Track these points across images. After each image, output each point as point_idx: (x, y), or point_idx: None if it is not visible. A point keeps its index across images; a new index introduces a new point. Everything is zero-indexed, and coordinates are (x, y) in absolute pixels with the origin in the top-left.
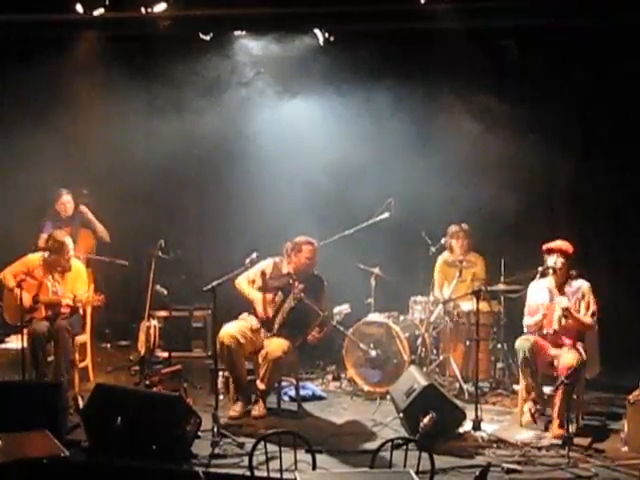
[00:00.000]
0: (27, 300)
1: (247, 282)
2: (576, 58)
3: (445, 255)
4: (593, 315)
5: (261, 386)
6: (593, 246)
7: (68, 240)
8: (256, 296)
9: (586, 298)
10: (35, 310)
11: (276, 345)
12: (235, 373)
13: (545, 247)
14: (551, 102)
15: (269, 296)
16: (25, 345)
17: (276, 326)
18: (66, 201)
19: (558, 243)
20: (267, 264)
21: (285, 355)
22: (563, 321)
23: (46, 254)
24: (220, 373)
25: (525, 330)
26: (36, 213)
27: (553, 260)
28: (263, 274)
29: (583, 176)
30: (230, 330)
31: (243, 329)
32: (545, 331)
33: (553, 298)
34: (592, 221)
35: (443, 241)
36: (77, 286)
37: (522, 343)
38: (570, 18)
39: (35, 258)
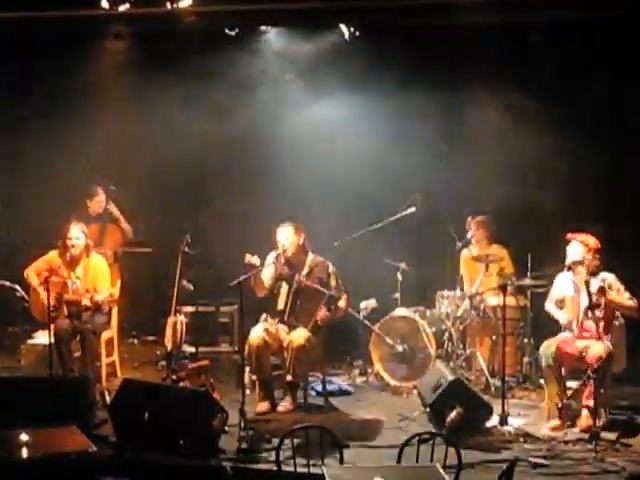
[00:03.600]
0: (51, 298)
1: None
2: (606, 52)
3: (470, 249)
4: (631, 298)
5: (288, 377)
6: (621, 241)
7: (74, 229)
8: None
9: (615, 286)
10: (58, 308)
11: (298, 334)
12: (261, 374)
13: (568, 236)
14: (581, 98)
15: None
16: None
17: (286, 315)
18: (102, 200)
19: (581, 234)
20: (271, 258)
21: (308, 343)
22: (589, 313)
23: (58, 251)
24: (247, 368)
25: (546, 307)
26: (66, 209)
27: (574, 250)
28: (272, 268)
29: (613, 172)
30: (258, 332)
31: (267, 327)
32: (573, 329)
33: (578, 291)
34: (621, 218)
35: (469, 235)
36: (99, 283)
37: (545, 349)
38: (601, 11)
39: (56, 255)
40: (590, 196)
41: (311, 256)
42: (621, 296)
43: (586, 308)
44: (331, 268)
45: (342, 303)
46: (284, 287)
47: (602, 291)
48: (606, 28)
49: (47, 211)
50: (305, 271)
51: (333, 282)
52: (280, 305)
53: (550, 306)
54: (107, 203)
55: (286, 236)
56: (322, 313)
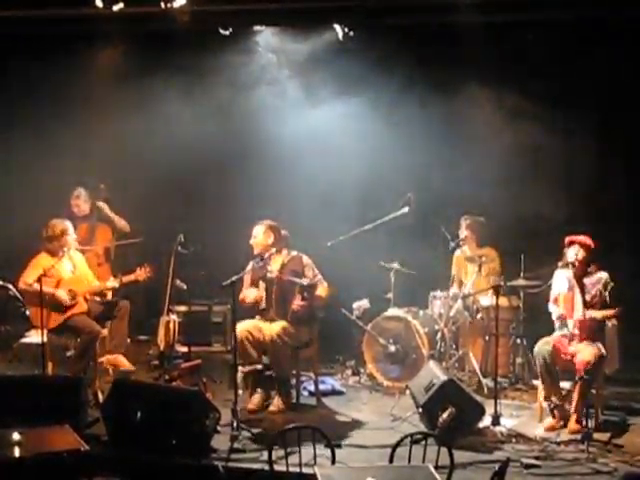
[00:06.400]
0: (64, 295)
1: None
2: (599, 52)
3: (463, 249)
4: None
5: (272, 373)
6: (613, 243)
7: (68, 224)
8: (248, 292)
9: (608, 287)
10: (74, 305)
11: (273, 326)
12: (247, 365)
13: (568, 239)
14: (571, 98)
15: (256, 290)
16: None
17: (271, 312)
18: (83, 200)
19: (581, 236)
20: (248, 268)
21: (283, 332)
22: (587, 314)
23: (47, 252)
24: (239, 368)
25: (549, 309)
26: (54, 211)
27: (574, 252)
28: (250, 275)
29: (604, 174)
30: (243, 325)
31: (256, 322)
32: (567, 329)
33: (572, 288)
34: (612, 219)
35: (462, 235)
36: (89, 276)
37: (541, 348)
38: (595, 10)
39: (46, 256)
40: (583, 196)
41: (284, 253)
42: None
43: (583, 310)
44: (305, 260)
45: (321, 292)
46: (262, 285)
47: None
48: (604, 28)
49: (34, 211)
50: (277, 267)
51: (309, 272)
52: (262, 304)
53: (549, 305)
54: (94, 202)
55: (255, 234)
56: (297, 302)
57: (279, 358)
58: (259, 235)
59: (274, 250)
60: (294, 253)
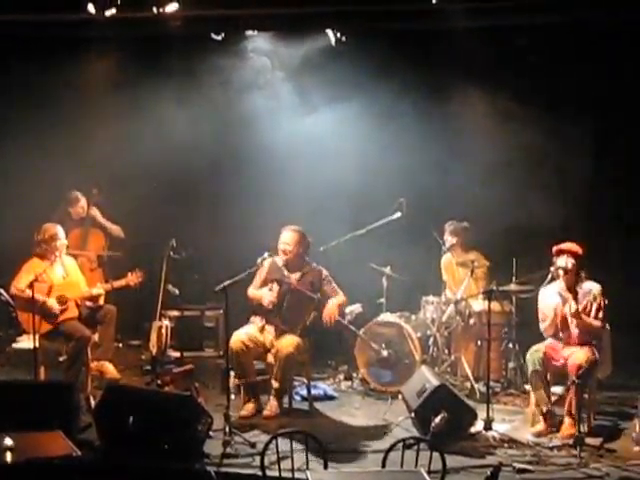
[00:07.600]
0: (55, 304)
1: (256, 288)
2: (590, 56)
3: (452, 254)
4: (603, 319)
5: (275, 384)
6: (606, 248)
7: (59, 229)
8: (263, 293)
9: (597, 300)
10: (65, 310)
11: (286, 342)
12: (245, 377)
13: (555, 248)
14: (566, 103)
15: (267, 290)
16: (43, 347)
17: (278, 318)
18: (83, 204)
19: (568, 244)
20: (267, 262)
21: (297, 350)
22: (575, 322)
23: (37, 257)
24: (232, 373)
25: (544, 334)
26: (49, 214)
27: (563, 261)
28: (265, 271)
29: (597, 177)
30: (239, 336)
31: (251, 333)
32: (561, 335)
33: (565, 300)
34: (605, 222)
35: (455, 241)
36: (81, 282)
37: (532, 355)
38: (585, 14)
39: (38, 261)
40: (581, 198)
41: (306, 263)
42: (599, 310)
43: (572, 315)
44: (324, 273)
45: (337, 302)
46: (275, 287)
47: (576, 314)
48: (602, 31)
49: (28, 214)
50: (297, 275)
51: (327, 286)
52: (269, 306)
53: (542, 326)
54: (89, 207)
55: (287, 242)
56: (312, 318)
57: (287, 371)
58: (292, 244)
59: (307, 263)
60: (314, 265)
